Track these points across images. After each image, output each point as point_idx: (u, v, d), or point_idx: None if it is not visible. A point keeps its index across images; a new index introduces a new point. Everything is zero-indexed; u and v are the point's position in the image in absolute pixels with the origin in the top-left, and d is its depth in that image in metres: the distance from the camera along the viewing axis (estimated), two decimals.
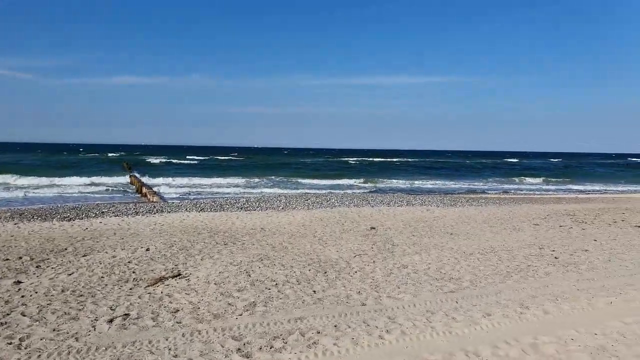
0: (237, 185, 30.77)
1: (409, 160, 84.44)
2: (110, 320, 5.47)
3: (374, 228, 11.94)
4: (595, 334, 5.10)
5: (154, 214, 14.11)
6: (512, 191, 28.66)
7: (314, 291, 6.70)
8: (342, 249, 9.42)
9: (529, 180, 39.39)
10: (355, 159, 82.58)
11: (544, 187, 33.86)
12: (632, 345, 4.78)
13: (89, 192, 23.67)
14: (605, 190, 30.17)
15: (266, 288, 6.80)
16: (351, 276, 7.50)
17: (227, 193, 25.08)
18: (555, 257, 8.95)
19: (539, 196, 22.88)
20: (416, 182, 36.24)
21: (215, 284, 6.97)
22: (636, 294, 6.57)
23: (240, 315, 5.74)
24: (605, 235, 11.27)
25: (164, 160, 64.99)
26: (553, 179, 40.53)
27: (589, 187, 33.81)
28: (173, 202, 17.97)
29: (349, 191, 25.71)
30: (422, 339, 5.02)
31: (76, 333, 5.10)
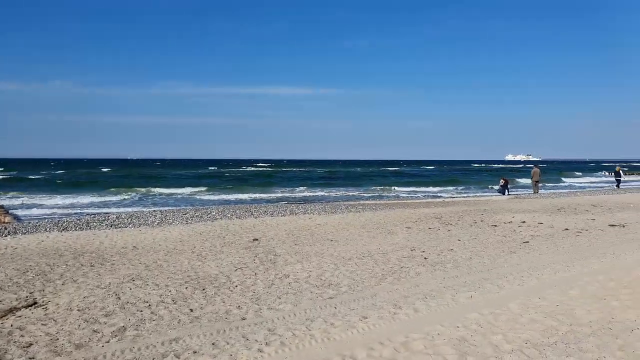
0: (105, 201, 28.48)
1: (294, 169, 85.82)
2: None
3: (256, 239, 11.82)
4: (458, 327, 5.53)
5: (5, 236, 12.47)
6: (386, 197, 30.48)
7: (191, 309, 6.39)
8: (222, 264, 9.15)
9: (399, 188, 42.16)
10: (230, 169, 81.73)
11: (415, 193, 36.52)
12: (486, 334, 5.26)
13: None
14: (464, 194, 33.49)
15: (138, 310, 6.32)
16: (231, 291, 7.29)
17: (94, 210, 23.12)
18: (425, 258, 9.62)
19: (410, 201, 24.60)
20: (298, 190, 36.91)
21: (78, 310, 6.31)
22: (491, 287, 7.29)
23: (107, 342, 5.25)
24: (468, 235, 12.40)
25: (15, 174, 58.25)
26: (421, 187, 43.89)
27: (443, 191, 37.20)
28: (30, 222, 16.07)
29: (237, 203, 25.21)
30: (300, 348, 5.02)
31: None
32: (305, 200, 28.69)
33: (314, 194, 34.43)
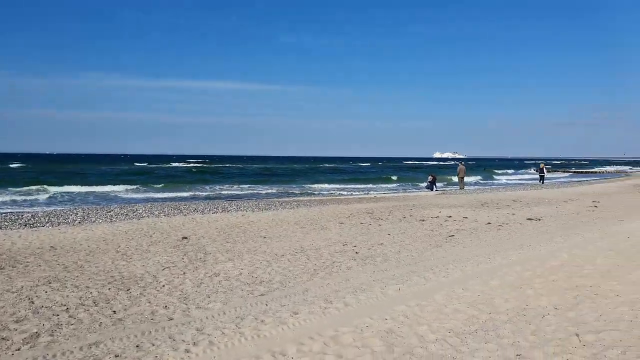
0: (16, 199, 26.37)
1: (228, 166, 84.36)
2: None
3: (185, 238, 11.47)
4: (386, 319, 5.66)
5: None
6: (321, 194, 30.74)
7: (114, 311, 6.08)
8: (149, 263, 8.79)
9: (334, 185, 42.70)
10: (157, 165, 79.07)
11: (347, 188, 37.14)
12: (413, 325, 5.43)
13: None
14: (395, 190, 34.54)
15: (54, 315, 5.92)
16: (158, 291, 7.02)
17: (4, 209, 21.47)
18: (356, 252, 9.78)
19: (344, 197, 24.98)
20: (232, 186, 36.31)
21: None
22: (418, 279, 7.53)
23: (18, 350, 4.87)
24: (397, 230, 12.76)
25: None
26: (356, 184, 44.71)
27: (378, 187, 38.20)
28: None
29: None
30: (230, 347, 4.92)
31: None
32: (238, 197, 28.27)
33: (247, 191, 34.02)
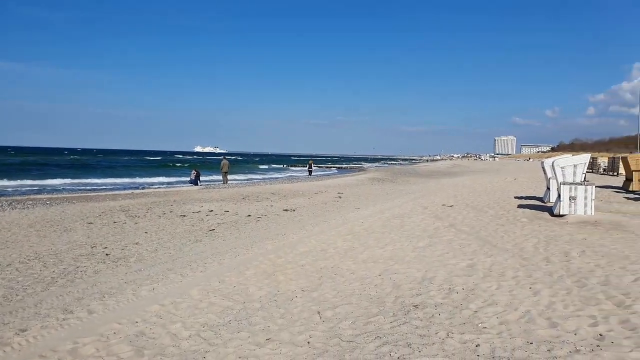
0: None
1: None
2: None
3: None
4: (137, 322, 5.24)
5: None
6: (66, 190, 27.16)
7: None
8: None
9: (82, 180, 38.42)
10: None
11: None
12: (166, 324, 5.16)
13: None
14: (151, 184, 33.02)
15: None
16: None
17: None
18: (107, 254, 8.89)
19: (95, 194, 22.56)
20: None
21: None
22: (175, 276, 7.25)
23: None
24: (155, 227, 12.13)
25: None
26: (110, 178, 41.12)
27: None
28: None
29: None
30: None
31: None
32: None
33: None
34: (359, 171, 59.59)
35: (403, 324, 4.91)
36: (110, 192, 23.78)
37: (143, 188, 28.99)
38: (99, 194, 22.85)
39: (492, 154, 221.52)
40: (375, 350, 4.30)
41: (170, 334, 4.92)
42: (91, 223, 12.55)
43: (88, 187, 30.76)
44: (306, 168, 50.48)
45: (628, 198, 16.58)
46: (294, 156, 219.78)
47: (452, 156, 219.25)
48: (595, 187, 12.12)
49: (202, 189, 26.73)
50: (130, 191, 24.54)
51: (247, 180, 42.07)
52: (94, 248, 9.42)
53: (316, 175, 46.95)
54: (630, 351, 3.90)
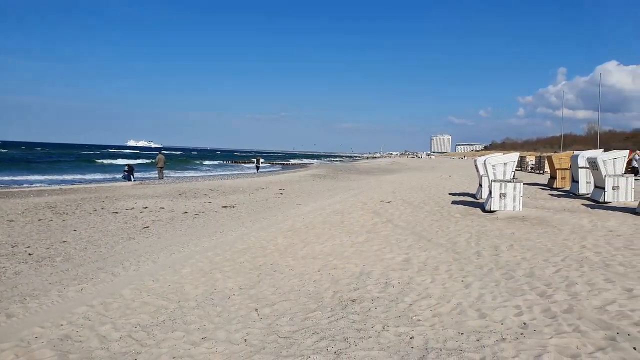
0: None
1: None
2: None
3: None
4: (62, 325, 4.94)
5: None
6: None
7: None
8: None
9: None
10: None
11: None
12: (94, 326, 4.90)
13: None
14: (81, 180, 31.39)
15: None
16: None
17: None
18: (30, 254, 8.33)
19: (17, 189, 21.08)
20: None
21: None
22: (105, 276, 6.92)
23: None
24: (85, 225, 11.52)
25: None
26: (38, 174, 38.64)
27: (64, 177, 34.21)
28: None
29: None
30: None
31: None
32: None
33: None
34: (301, 167, 59.72)
35: (341, 318, 4.95)
36: (36, 188, 22.32)
37: (72, 184, 27.45)
38: (23, 189, 21.39)
39: (429, 152, 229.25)
40: (312, 345, 4.30)
41: (99, 336, 4.67)
42: (12, 221, 11.71)
43: (11, 182, 28.74)
44: (254, 164, 52.62)
45: (552, 195, 17.69)
46: (237, 152, 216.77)
47: (391, 154, 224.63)
48: (523, 184, 12.85)
49: (136, 184, 25.72)
50: (57, 186, 23.16)
51: (185, 176, 40.94)
52: (14, 247, 8.80)
53: (262, 171, 46.69)
54: (550, 338, 4.14)
